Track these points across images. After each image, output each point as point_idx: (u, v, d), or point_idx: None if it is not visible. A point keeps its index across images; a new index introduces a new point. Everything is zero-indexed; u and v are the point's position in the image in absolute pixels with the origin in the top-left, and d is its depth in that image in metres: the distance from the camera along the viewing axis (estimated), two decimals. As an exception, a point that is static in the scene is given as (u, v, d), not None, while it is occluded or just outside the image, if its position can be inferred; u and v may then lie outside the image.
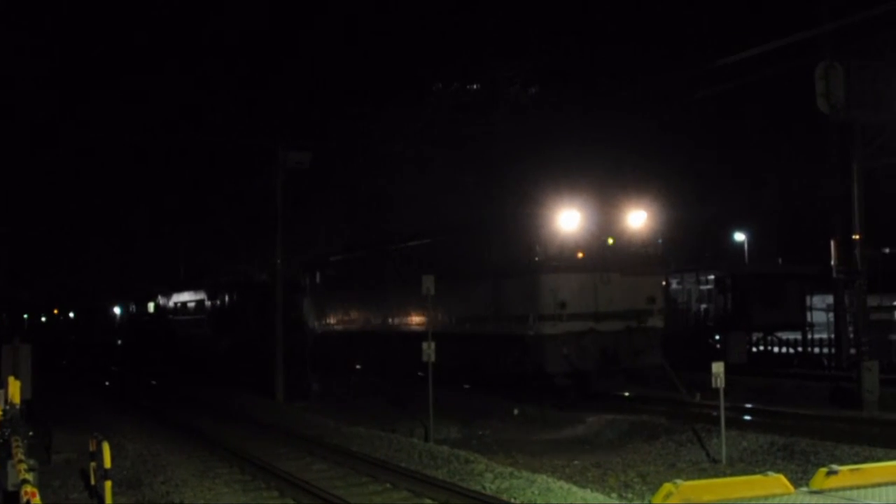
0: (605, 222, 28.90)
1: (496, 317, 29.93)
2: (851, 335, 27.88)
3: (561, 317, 27.57)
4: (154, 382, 44.10)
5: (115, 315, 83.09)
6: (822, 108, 25.85)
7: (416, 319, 34.51)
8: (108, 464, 14.72)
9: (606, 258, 28.55)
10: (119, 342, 78.50)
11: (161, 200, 76.30)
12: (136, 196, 78.27)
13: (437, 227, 36.93)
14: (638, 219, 29.28)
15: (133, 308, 76.34)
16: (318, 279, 45.60)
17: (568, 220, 28.23)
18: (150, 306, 71.61)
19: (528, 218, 29.14)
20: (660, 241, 30.36)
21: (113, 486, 14.91)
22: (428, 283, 23.97)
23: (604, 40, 50.98)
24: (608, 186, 30.71)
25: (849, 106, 25.81)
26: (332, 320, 43.67)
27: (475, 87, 55.94)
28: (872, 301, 31.47)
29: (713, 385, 18.88)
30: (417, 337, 31.46)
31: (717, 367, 18.82)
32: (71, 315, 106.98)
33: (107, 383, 45.85)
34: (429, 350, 23.00)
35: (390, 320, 36.91)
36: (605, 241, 28.84)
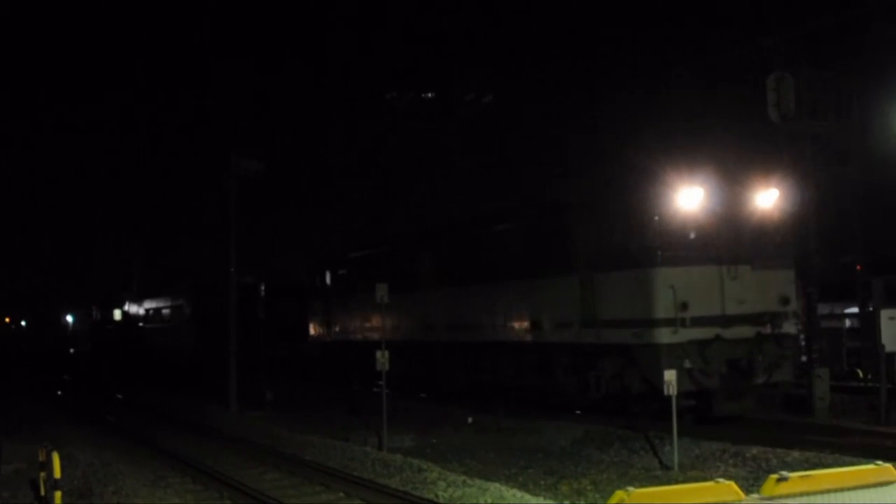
0: (732, 202, 23.62)
1: (585, 322, 24.40)
2: (803, 343, 28.08)
3: (683, 321, 22.23)
4: (119, 396, 41.66)
5: (67, 323, 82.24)
6: (773, 117, 26.12)
7: (484, 324, 29.06)
8: (57, 474, 14.60)
9: (733, 246, 23.25)
10: (71, 351, 77.65)
11: (115, 205, 75.70)
12: (89, 202, 77.63)
13: (494, 214, 31.33)
14: (769, 198, 24.01)
15: (97, 315, 73.20)
16: (327, 280, 39.97)
17: (688, 198, 22.88)
18: (116, 313, 68.63)
19: (637, 196, 23.81)
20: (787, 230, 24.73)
21: (63, 496, 14.79)
22: (382, 293, 23.75)
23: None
24: (730, 159, 25.09)
25: (800, 116, 26.08)
26: (347, 327, 38.12)
27: (430, 95, 56.04)
28: (823, 309, 31.77)
29: (665, 392, 18.95)
30: (483, 349, 29.16)
31: (669, 375, 18.90)
32: (23, 323, 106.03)
33: (59, 393, 45.38)
34: (382, 359, 22.89)
35: (433, 327, 31.63)
36: (732, 224, 23.43)
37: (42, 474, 16.48)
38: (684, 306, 22.26)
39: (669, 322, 22.24)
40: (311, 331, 41.76)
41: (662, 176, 23.22)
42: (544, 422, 24.48)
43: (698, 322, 22.47)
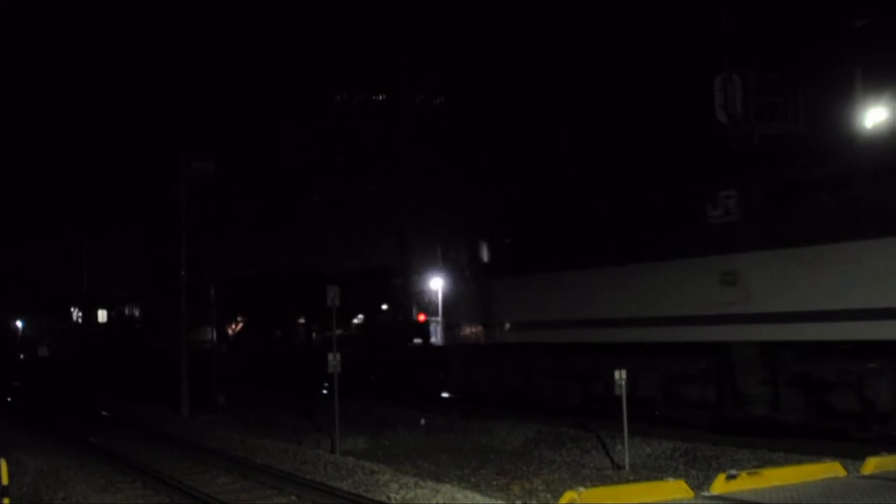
0: None
1: None
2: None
3: None
4: (104, 413, 35.85)
5: (16, 328, 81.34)
6: (721, 118, 26.37)
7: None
8: (5, 480, 14.44)
9: None
10: (21, 357, 76.79)
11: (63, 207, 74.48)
12: (32, 203, 76.39)
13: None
14: None
15: (78, 317, 70.16)
16: (483, 255, 28.07)
17: None
18: (101, 315, 64.29)
19: None
20: None
21: (11, 503, 14.65)
22: (332, 294, 23.50)
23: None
24: None
25: (747, 117, 26.35)
26: (545, 320, 25.74)
27: (381, 97, 55.83)
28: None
29: (616, 392, 19.05)
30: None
31: (619, 374, 19.00)
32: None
33: (9, 399, 44.94)
34: (334, 361, 22.85)
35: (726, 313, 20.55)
36: None
37: (-10, 481, 16.34)
38: None
39: None
40: (457, 325, 29.90)
41: None
42: (496, 422, 24.54)
43: None
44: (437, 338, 34.74)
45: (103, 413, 34.72)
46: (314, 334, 40.25)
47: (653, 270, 22.27)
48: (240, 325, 44.42)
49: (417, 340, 35.84)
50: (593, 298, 23.97)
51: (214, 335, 45.05)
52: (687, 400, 21.98)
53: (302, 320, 40.72)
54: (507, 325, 27.03)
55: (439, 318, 37.11)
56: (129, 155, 65.68)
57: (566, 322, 24.87)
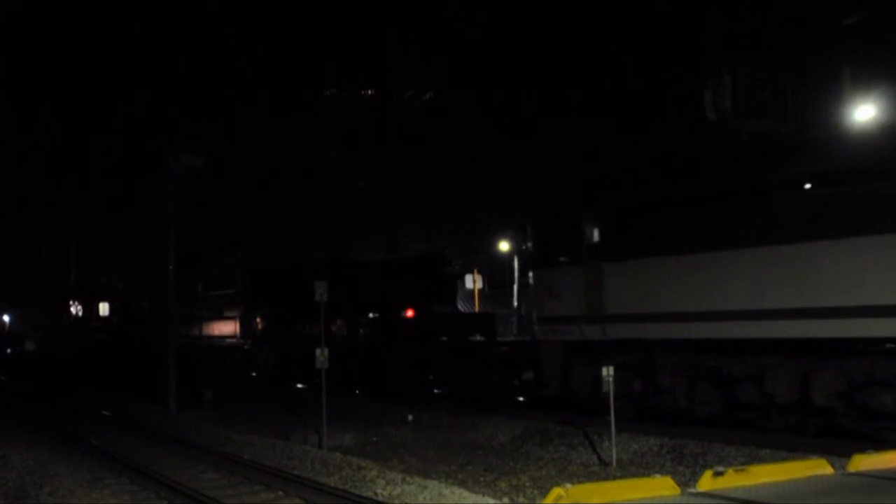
0: None
1: None
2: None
3: None
4: (92, 408, 34.53)
5: (3, 323, 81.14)
6: (710, 116, 26.38)
7: None
8: (-9, 475, 14.46)
9: None
10: (8, 351, 76.59)
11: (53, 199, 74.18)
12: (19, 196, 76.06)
13: None
14: None
15: (78, 311, 68.80)
16: (588, 234, 23.72)
17: None
18: (103, 308, 62.51)
19: None
20: None
21: (-3, 499, 14.65)
22: (321, 290, 23.40)
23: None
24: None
25: (736, 114, 26.36)
26: (649, 310, 21.80)
27: (370, 92, 55.79)
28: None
29: (603, 388, 19.06)
30: None
31: (606, 371, 19.00)
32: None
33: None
34: (322, 357, 22.81)
35: None
36: None
37: (-25, 476, 16.31)
38: None
39: None
40: (543, 321, 25.54)
41: None
42: (484, 418, 24.53)
43: None
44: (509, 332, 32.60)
45: (91, 408, 34.60)
46: (360, 329, 37.06)
47: (841, 249, 17.70)
48: (265, 319, 42.29)
49: (478, 337, 32.17)
50: (748, 284, 19.50)
51: (201, 331, 45.13)
52: (879, 409, 17.83)
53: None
54: (623, 317, 22.56)
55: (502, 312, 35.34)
56: (124, 146, 65.53)
57: (707, 314, 20.35)
